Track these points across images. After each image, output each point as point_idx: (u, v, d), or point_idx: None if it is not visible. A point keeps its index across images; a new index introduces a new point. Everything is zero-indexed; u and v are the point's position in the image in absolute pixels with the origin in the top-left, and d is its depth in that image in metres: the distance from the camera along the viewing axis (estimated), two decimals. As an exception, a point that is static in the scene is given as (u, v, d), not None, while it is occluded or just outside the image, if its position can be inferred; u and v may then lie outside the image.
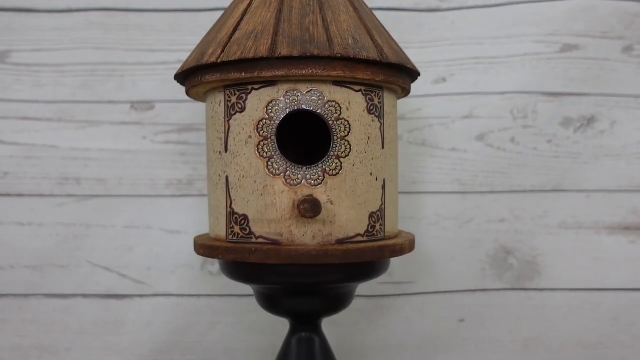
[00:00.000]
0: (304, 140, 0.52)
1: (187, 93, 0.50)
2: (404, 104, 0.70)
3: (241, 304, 0.70)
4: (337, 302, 0.48)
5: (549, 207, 0.71)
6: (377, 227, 0.46)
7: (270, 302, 0.48)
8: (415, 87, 0.70)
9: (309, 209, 0.40)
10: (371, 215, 0.46)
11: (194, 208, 0.70)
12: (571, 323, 0.70)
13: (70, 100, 0.71)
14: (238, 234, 0.45)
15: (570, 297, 0.71)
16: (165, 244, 0.70)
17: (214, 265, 0.70)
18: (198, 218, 0.70)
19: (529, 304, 0.71)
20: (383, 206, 0.47)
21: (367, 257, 0.44)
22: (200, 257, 0.70)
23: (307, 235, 0.44)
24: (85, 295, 0.70)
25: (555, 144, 0.71)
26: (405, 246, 0.47)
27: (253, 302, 0.69)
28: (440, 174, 0.70)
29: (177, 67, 0.71)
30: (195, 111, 0.71)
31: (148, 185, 0.71)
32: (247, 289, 0.70)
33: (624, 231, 0.71)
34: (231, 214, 0.45)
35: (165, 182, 0.71)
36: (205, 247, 0.46)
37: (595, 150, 0.71)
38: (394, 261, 0.70)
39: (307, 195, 0.43)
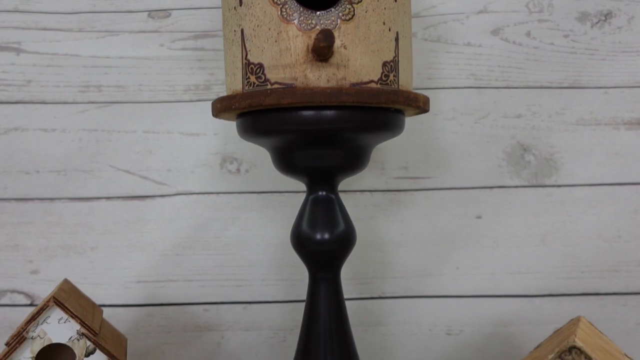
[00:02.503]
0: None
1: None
2: (417, 2, 0.70)
3: (260, 199, 0.71)
4: (353, 158, 0.49)
5: (566, 103, 0.71)
6: (391, 77, 0.46)
7: (287, 159, 0.49)
8: (429, -14, 0.70)
9: (323, 38, 0.41)
10: (384, 64, 0.46)
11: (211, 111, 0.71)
12: (590, 217, 0.70)
13: (90, 10, 0.72)
14: (254, 83, 0.46)
15: (589, 192, 0.71)
16: (184, 146, 0.71)
17: (233, 164, 0.71)
18: (216, 120, 0.71)
19: (547, 200, 0.71)
20: (397, 58, 0.47)
21: (381, 98, 0.44)
22: (219, 156, 0.71)
23: (321, 79, 0.44)
24: (108, 198, 0.71)
25: (572, 39, 0.71)
26: (420, 97, 0.47)
27: (273, 198, 0.71)
28: (455, 69, 0.70)
29: (192, -25, 0.72)
30: (211, 17, 0.72)
31: (167, 91, 0.72)
32: (266, 185, 0.71)
33: (644, 127, 0.71)
34: (247, 65, 0.46)
35: (183, 87, 0.72)
36: (221, 101, 0.47)
37: (612, 47, 0.71)
38: (410, 155, 0.71)
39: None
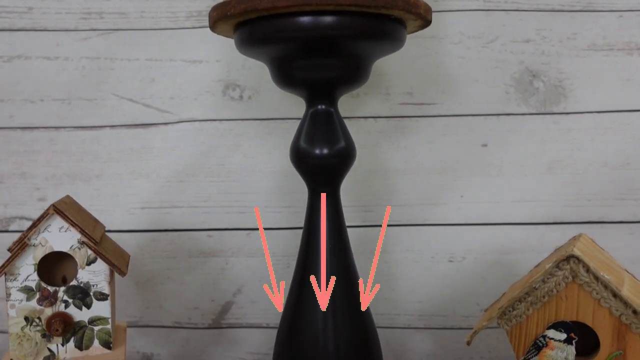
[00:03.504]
0: None
1: None
2: None
3: (263, 126, 0.70)
4: (353, 69, 0.48)
5: (578, 27, 0.69)
6: (391, -18, 0.45)
7: (285, 70, 0.48)
8: None
9: None
10: (384, -32, 0.44)
11: (214, 38, 0.70)
12: (598, 144, 0.69)
13: None
14: (249, -12, 0.45)
15: (597, 119, 0.69)
16: (187, 73, 0.71)
17: (235, 90, 0.70)
18: (218, 47, 0.70)
19: (555, 127, 0.69)
20: (397, -37, 0.45)
21: (379, 1, 0.43)
22: (222, 84, 0.71)
23: (318, -18, 0.43)
24: (112, 126, 0.71)
25: (587, -41, 0.68)
26: (421, 3, 0.46)
27: (275, 125, 0.70)
28: (463, -9, 0.68)
29: None
30: (213, -59, 0.70)
31: (169, 17, 0.71)
32: (269, 112, 0.70)
33: (658, 52, 0.68)
34: (242, -30, 0.45)
35: (185, 14, 0.71)
36: (216, 8, 0.46)
37: (629, -32, 0.68)
38: (414, 80, 0.69)
39: None
